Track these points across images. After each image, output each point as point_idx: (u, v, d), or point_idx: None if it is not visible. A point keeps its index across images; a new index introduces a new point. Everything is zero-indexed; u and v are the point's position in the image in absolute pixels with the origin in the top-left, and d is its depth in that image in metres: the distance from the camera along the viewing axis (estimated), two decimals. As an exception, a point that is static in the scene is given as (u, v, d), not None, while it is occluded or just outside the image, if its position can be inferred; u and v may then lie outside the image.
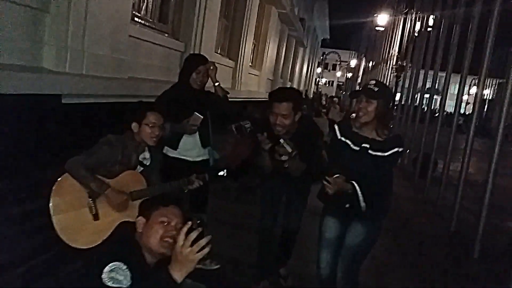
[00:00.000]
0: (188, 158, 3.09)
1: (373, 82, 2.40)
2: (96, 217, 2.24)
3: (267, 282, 3.17)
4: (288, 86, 17.52)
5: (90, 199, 2.24)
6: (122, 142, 2.33)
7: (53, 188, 2.19)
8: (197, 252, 1.43)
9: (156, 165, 2.57)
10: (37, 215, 2.48)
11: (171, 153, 3.08)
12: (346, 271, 2.49)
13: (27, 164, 2.93)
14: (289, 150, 2.44)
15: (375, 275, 3.76)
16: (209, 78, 3.13)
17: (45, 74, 3.15)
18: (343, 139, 2.44)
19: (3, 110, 2.65)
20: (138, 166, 2.44)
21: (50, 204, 2.17)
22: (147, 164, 2.49)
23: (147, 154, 2.50)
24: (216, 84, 3.12)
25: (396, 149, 2.33)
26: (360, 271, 2.55)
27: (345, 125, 2.48)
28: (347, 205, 2.39)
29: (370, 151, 2.34)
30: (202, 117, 3.00)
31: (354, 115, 2.41)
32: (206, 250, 1.44)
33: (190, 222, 1.47)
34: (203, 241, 1.43)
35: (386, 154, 2.32)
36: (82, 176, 2.18)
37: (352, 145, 2.39)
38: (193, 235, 1.43)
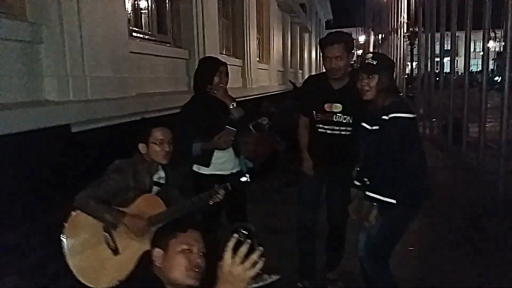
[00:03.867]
0: (223, 173, 2.84)
1: (370, 55, 2.31)
2: (116, 251, 2.07)
3: (308, 283, 2.98)
4: (300, 75, 17.26)
5: (107, 233, 2.08)
6: (132, 166, 2.16)
7: (65, 227, 2.04)
8: (250, 268, 1.20)
9: (174, 182, 2.39)
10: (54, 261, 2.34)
11: (204, 170, 2.84)
12: (369, 256, 2.41)
13: (41, 207, 2.83)
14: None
15: (424, 257, 3.52)
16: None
17: (50, 107, 3.06)
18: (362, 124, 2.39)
19: (10, 151, 2.55)
20: (154, 188, 2.27)
21: (64, 246, 2.02)
22: (163, 182, 2.32)
23: (161, 173, 2.33)
24: (232, 106, 2.80)
25: (393, 115, 2.15)
26: (389, 257, 2.45)
27: (363, 112, 2.41)
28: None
29: (366, 125, 2.29)
30: (235, 130, 2.77)
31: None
32: (260, 265, 1.20)
33: (236, 235, 1.23)
34: (255, 256, 1.20)
35: (384, 119, 2.18)
36: (93, 210, 2.02)
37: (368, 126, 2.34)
38: (244, 249, 1.20)
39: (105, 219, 2.05)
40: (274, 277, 2.98)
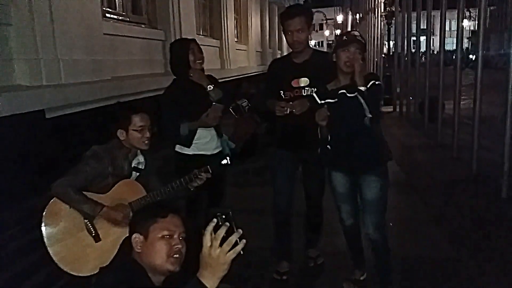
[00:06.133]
0: (206, 153, 2.84)
1: (357, 33, 2.49)
2: (97, 238, 2.04)
3: (286, 264, 3.02)
4: (278, 55, 17.16)
5: (86, 220, 2.04)
6: (109, 152, 2.11)
7: (43, 216, 1.99)
8: (229, 250, 1.21)
9: (153, 167, 2.36)
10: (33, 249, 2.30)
11: (187, 150, 2.83)
12: (376, 224, 2.53)
13: (17, 194, 2.77)
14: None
15: (404, 234, 3.62)
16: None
17: (22, 92, 2.96)
18: (323, 102, 2.49)
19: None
20: (133, 173, 2.23)
21: (43, 235, 1.98)
22: (143, 168, 2.28)
23: (141, 158, 2.28)
24: (209, 88, 2.80)
25: (372, 82, 2.40)
26: (386, 223, 2.60)
27: (321, 91, 2.53)
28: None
29: (348, 94, 2.40)
30: (222, 106, 2.78)
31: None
32: (240, 246, 1.21)
33: (214, 220, 1.23)
34: (233, 237, 1.20)
35: (364, 88, 2.36)
36: (71, 200, 1.98)
37: (331, 100, 2.46)
38: (221, 232, 1.20)
39: (82, 210, 2.01)
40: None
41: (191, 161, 2.72)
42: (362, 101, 2.34)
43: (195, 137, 2.81)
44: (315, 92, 2.57)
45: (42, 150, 3.04)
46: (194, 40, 2.87)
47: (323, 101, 2.48)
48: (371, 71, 12.42)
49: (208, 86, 2.77)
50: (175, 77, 2.90)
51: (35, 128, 2.99)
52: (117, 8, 4.95)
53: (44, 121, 3.06)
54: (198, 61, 2.79)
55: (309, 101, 2.62)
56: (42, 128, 3.06)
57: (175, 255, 1.49)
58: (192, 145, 2.82)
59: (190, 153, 2.82)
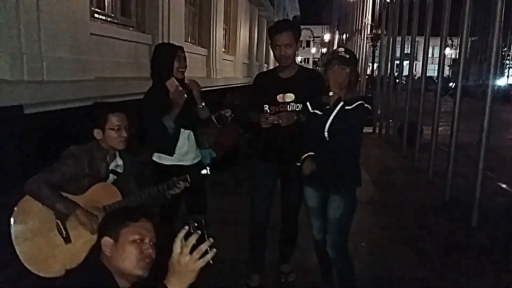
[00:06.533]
0: (185, 163, 2.81)
1: (343, 49, 2.53)
2: (67, 239, 1.99)
3: (257, 277, 3.02)
4: (265, 68, 17.31)
5: (58, 221, 1.99)
6: (87, 153, 2.07)
7: (14, 212, 1.94)
8: (199, 259, 1.21)
9: (131, 172, 2.33)
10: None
11: (165, 160, 2.79)
12: (334, 243, 2.57)
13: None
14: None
15: (374, 253, 3.66)
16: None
17: (1, 85, 2.89)
18: (314, 111, 2.53)
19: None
20: (110, 176, 2.20)
21: (12, 233, 1.93)
22: (121, 171, 2.26)
23: (119, 161, 2.25)
24: (201, 105, 2.84)
25: (360, 102, 2.41)
26: (348, 241, 2.62)
27: (315, 100, 2.55)
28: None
29: (336, 109, 2.42)
30: (173, 78, 2.74)
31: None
32: (210, 255, 1.21)
33: (186, 227, 1.24)
34: (204, 246, 1.21)
35: (350, 107, 2.39)
36: (45, 197, 1.93)
37: (320, 112, 2.50)
38: (192, 239, 1.21)
39: (56, 208, 1.96)
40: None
41: (168, 172, 2.65)
42: (330, 117, 2.39)
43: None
44: (309, 101, 2.57)
45: (18, 145, 2.97)
46: (181, 47, 2.85)
47: (313, 111, 2.52)
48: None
49: (201, 104, 2.80)
50: (153, 84, 2.85)
51: (12, 123, 2.92)
52: (106, 9, 4.92)
53: (22, 116, 3.00)
54: (181, 69, 2.77)
55: (296, 115, 2.66)
56: (20, 124, 2.99)
57: (145, 260, 1.48)
58: (168, 157, 2.78)
59: (168, 163, 2.78)
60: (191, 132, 2.87)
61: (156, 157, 2.83)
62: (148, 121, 2.74)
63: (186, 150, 2.81)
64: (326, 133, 2.41)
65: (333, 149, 2.45)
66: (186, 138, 2.82)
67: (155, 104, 2.72)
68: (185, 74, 2.85)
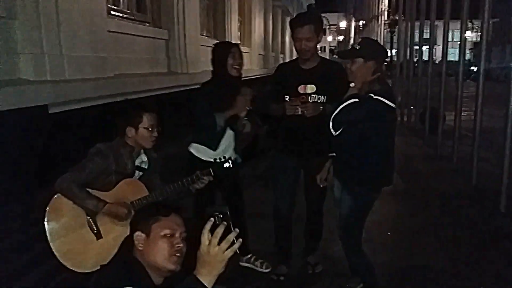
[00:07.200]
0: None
1: (359, 40, 2.45)
2: (98, 235, 2.05)
3: (285, 268, 3.03)
4: (281, 59, 17.21)
5: (89, 217, 2.04)
6: (114, 150, 2.10)
7: (46, 211, 1.99)
8: (227, 249, 1.24)
9: (156, 167, 2.35)
10: (34, 244, 2.30)
11: (203, 155, 2.81)
12: (342, 237, 2.58)
13: (19, 189, 2.76)
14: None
15: (399, 243, 3.62)
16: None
17: (26, 86, 2.95)
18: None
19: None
20: (136, 172, 2.23)
21: (46, 230, 1.98)
22: (146, 167, 2.28)
23: (144, 157, 2.28)
24: (245, 120, 2.82)
25: (377, 97, 2.23)
26: (361, 234, 2.57)
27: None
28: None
29: (344, 103, 2.30)
30: (250, 89, 2.77)
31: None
32: (237, 245, 1.25)
33: (212, 219, 1.27)
34: (231, 236, 1.24)
35: (358, 100, 2.25)
36: (75, 196, 1.98)
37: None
38: (220, 231, 1.24)
39: (85, 206, 2.01)
40: (265, 269, 3.05)
41: (202, 167, 2.52)
42: (336, 111, 2.29)
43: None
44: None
45: (44, 145, 3.03)
46: (236, 44, 2.90)
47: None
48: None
49: (244, 118, 2.79)
50: (212, 76, 2.90)
51: (38, 123, 2.98)
52: (122, 5, 4.96)
53: (47, 116, 3.05)
54: (235, 67, 2.80)
55: (321, 106, 2.64)
56: (45, 123, 3.05)
57: (176, 254, 1.49)
58: (207, 152, 2.80)
59: (205, 158, 2.79)
60: (233, 134, 2.89)
61: (194, 150, 2.86)
62: (199, 111, 2.77)
63: (224, 149, 2.83)
64: (331, 128, 2.35)
65: (341, 145, 2.40)
66: (228, 139, 2.85)
67: (211, 97, 2.75)
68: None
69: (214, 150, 2.79)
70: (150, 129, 2.16)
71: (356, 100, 2.28)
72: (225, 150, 2.83)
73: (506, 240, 3.66)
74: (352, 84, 2.33)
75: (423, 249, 3.51)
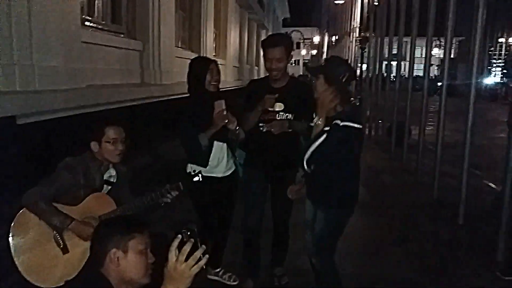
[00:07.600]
0: (216, 175, 2.84)
1: (328, 57, 2.50)
2: (65, 250, 2.04)
3: (251, 282, 3.08)
4: (255, 71, 17.37)
5: (55, 232, 2.04)
6: (82, 164, 2.12)
7: (12, 226, 1.98)
8: (193, 266, 1.28)
9: (125, 180, 2.37)
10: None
11: (204, 171, 2.72)
12: (313, 254, 2.61)
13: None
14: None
15: (364, 254, 3.74)
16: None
17: (-8, 96, 2.91)
18: (311, 124, 2.44)
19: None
20: (105, 186, 2.25)
21: (11, 245, 1.97)
22: (114, 181, 2.30)
23: (112, 171, 2.30)
24: (237, 129, 2.77)
25: (335, 122, 2.24)
26: (334, 251, 2.60)
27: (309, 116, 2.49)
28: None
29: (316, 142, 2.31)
30: (223, 100, 2.71)
31: None
32: (203, 261, 1.30)
33: (179, 236, 1.32)
34: (198, 253, 1.29)
35: (335, 123, 2.25)
36: (41, 211, 1.97)
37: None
38: (187, 248, 1.28)
39: (51, 223, 2.00)
40: (233, 282, 3.09)
41: (202, 185, 2.47)
42: (309, 151, 2.32)
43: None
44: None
45: (11, 156, 2.99)
46: (214, 61, 2.89)
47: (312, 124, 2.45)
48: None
49: (236, 127, 2.75)
50: (189, 95, 2.89)
51: (5, 134, 2.94)
52: (97, 16, 4.95)
53: (15, 127, 3.02)
54: (213, 83, 2.80)
55: (287, 124, 2.74)
56: (13, 134, 3.01)
57: (150, 268, 1.53)
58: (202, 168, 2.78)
59: (205, 174, 2.70)
60: (224, 145, 2.87)
61: (189, 168, 2.85)
62: (182, 133, 2.79)
63: (216, 163, 2.83)
64: (305, 164, 2.38)
65: (313, 170, 2.42)
66: (218, 151, 2.83)
67: (191, 118, 2.74)
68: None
69: (205, 167, 2.76)
70: (113, 142, 2.16)
71: (324, 136, 2.29)
72: (219, 164, 2.85)
73: (463, 250, 3.84)
74: (316, 119, 2.34)
75: (388, 260, 3.64)
